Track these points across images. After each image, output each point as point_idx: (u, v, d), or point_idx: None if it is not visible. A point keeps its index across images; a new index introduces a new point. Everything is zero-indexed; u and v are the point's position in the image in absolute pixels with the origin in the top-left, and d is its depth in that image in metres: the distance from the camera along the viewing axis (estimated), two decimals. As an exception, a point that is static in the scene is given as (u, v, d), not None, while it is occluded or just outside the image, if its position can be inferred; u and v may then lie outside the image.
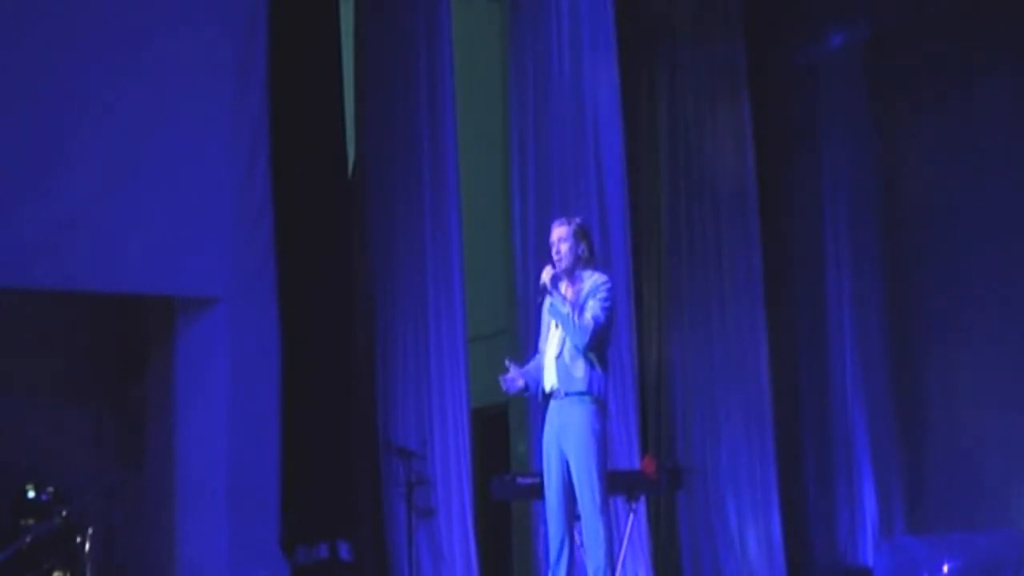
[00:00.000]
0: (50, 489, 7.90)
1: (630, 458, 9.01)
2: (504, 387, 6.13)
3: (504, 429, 10.03)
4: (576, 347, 5.93)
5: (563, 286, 6.03)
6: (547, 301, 6.08)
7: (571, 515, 5.97)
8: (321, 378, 8.43)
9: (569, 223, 6.17)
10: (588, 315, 5.92)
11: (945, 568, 8.25)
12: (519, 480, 8.00)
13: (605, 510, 5.90)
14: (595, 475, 5.86)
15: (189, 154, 8.04)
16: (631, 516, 8.14)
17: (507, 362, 6.14)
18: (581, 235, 6.11)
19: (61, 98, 7.70)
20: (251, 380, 8.06)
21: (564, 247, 6.06)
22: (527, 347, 8.73)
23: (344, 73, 8.99)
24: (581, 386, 5.92)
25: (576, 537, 6.09)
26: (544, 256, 8.98)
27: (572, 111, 9.53)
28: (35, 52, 7.66)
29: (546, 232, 9.09)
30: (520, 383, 6.09)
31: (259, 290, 8.19)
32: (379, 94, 9.13)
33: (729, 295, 10.09)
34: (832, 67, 10.10)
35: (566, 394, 5.95)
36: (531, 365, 6.19)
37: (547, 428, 6.04)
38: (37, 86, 7.64)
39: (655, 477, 8.09)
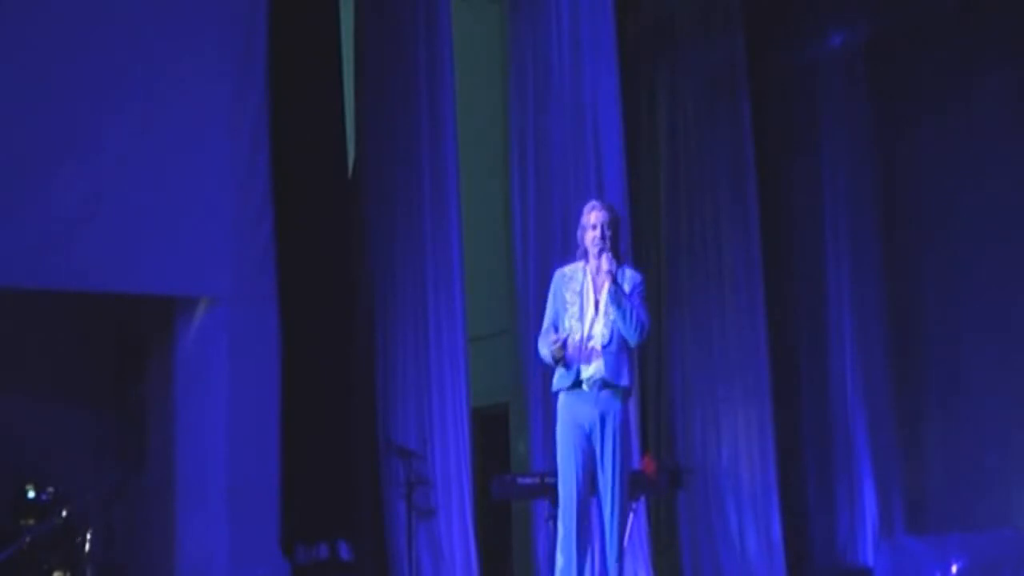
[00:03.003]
0: (50, 489, 7.90)
1: (630, 458, 9.00)
2: (550, 354, 5.83)
3: (504, 429, 10.04)
4: (628, 341, 5.83)
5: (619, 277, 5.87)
6: (570, 282, 5.93)
7: (588, 509, 5.84)
8: (321, 378, 8.43)
9: (612, 211, 5.96)
10: (643, 313, 5.85)
11: (954, 568, 8.25)
12: (519, 480, 7.99)
13: (628, 504, 5.85)
14: (625, 469, 5.80)
15: (189, 154, 8.04)
16: (631, 516, 8.12)
17: (552, 327, 5.89)
18: (618, 228, 5.96)
19: (61, 98, 7.70)
20: (251, 380, 8.06)
21: (608, 233, 5.87)
22: (527, 347, 8.74)
23: (344, 73, 8.99)
24: (626, 380, 5.84)
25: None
26: (544, 256, 9.08)
27: (572, 111, 9.53)
28: (35, 53, 7.66)
29: (546, 232, 9.22)
30: (562, 352, 5.81)
31: (259, 290, 8.18)
32: (379, 94, 9.13)
33: (729, 295, 10.08)
34: (832, 67, 10.09)
35: (608, 385, 5.79)
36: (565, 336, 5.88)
37: (576, 415, 5.82)
38: (36, 86, 7.64)
39: (655, 477, 8.08)
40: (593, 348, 5.82)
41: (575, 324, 5.87)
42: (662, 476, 8.17)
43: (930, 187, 9.63)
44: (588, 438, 5.81)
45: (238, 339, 8.10)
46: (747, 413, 9.84)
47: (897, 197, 9.81)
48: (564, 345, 5.81)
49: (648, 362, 10.03)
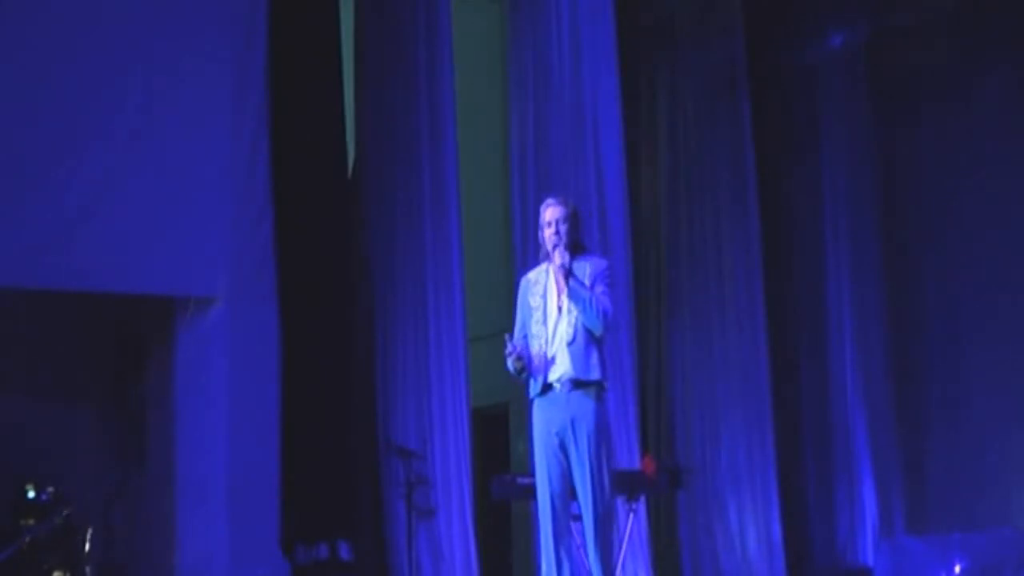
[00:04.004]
0: (50, 489, 7.90)
1: (630, 458, 9.00)
2: (511, 366, 5.79)
3: (504, 429, 10.05)
4: (592, 332, 5.74)
5: (576, 268, 5.80)
6: (534, 286, 5.91)
7: (567, 515, 5.79)
8: (321, 378, 8.43)
9: (566, 204, 5.92)
10: (606, 300, 5.75)
11: (957, 568, 8.25)
12: (519, 480, 7.99)
13: (614, 506, 5.77)
14: (602, 470, 5.70)
15: (189, 154, 8.04)
16: (631, 516, 8.14)
17: (507, 336, 5.83)
18: (576, 220, 5.90)
19: (61, 98, 7.70)
20: (251, 380, 8.06)
21: (563, 228, 5.83)
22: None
23: (344, 73, 8.99)
24: (597, 373, 5.74)
25: (576, 537, 6.01)
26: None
27: (572, 111, 9.53)
28: (34, 53, 7.66)
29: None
30: (521, 363, 5.76)
31: (259, 290, 8.18)
32: (379, 94, 9.13)
33: (729, 295, 10.08)
34: (832, 67, 10.09)
35: (578, 383, 5.72)
36: (523, 347, 5.86)
37: (549, 420, 5.76)
38: (37, 87, 7.64)
39: (655, 477, 8.08)
40: (555, 355, 5.76)
41: (540, 329, 5.83)
42: (662, 476, 8.16)
43: (930, 187, 9.63)
44: (561, 443, 5.74)
45: (238, 339, 8.10)
46: (747, 413, 9.84)
47: (897, 197, 9.80)
48: (521, 356, 5.75)
49: (648, 362, 10.03)
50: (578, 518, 5.90)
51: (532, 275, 6.01)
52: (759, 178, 10.14)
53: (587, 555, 5.82)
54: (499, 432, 10.16)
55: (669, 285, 10.22)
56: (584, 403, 5.74)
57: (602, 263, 5.92)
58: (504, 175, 9.89)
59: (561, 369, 5.76)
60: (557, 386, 5.76)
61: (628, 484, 8.00)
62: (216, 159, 8.13)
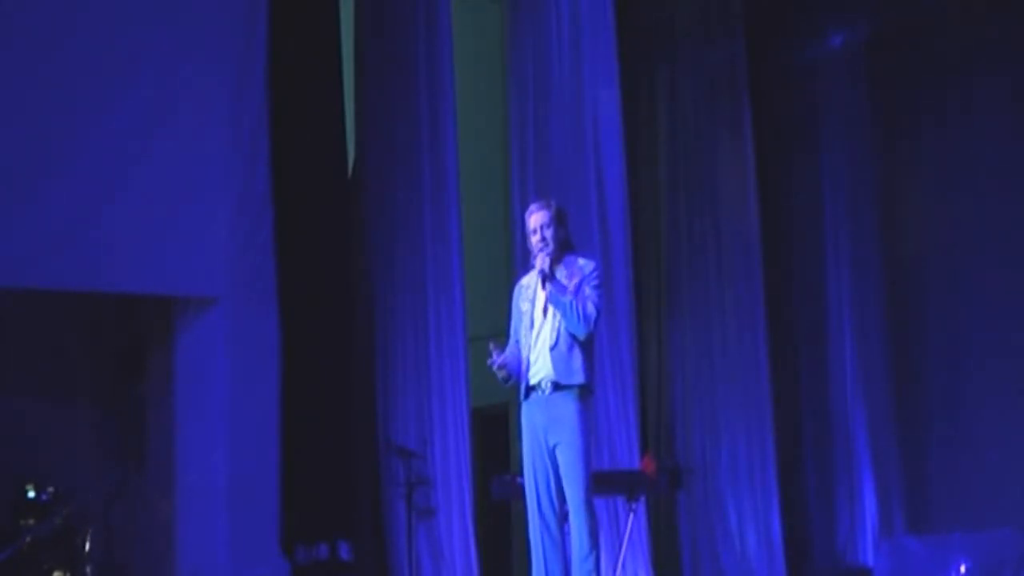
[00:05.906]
0: (50, 489, 7.90)
1: (630, 458, 9.00)
2: (497, 375, 5.90)
3: (504, 429, 10.03)
4: (575, 336, 5.77)
5: (559, 273, 5.83)
6: (525, 291, 5.93)
7: (562, 515, 5.81)
8: (321, 378, 8.43)
9: (548, 207, 5.91)
10: (589, 304, 5.76)
11: (962, 569, 8.25)
12: (519, 480, 7.94)
13: (592, 505, 5.77)
14: (585, 470, 5.72)
15: (189, 154, 8.03)
16: (631, 516, 8.13)
17: (491, 346, 5.88)
18: (560, 219, 5.89)
19: (60, 98, 7.69)
20: (251, 380, 8.06)
21: (548, 233, 5.83)
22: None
23: (344, 73, 8.99)
24: (580, 377, 5.76)
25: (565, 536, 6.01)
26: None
27: (572, 111, 9.54)
28: (34, 52, 7.65)
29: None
30: (504, 372, 5.87)
31: (259, 290, 8.18)
32: (379, 94, 9.13)
33: (729, 296, 10.09)
34: (832, 67, 10.10)
35: (559, 386, 5.76)
36: (509, 355, 5.94)
37: (532, 424, 5.83)
38: (36, 86, 7.63)
39: (655, 477, 8.08)
40: (538, 359, 5.81)
41: (526, 333, 5.89)
42: (662, 476, 8.16)
43: (930, 187, 9.64)
44: (546, 445, 5.79)
45: (238, 339, 8.09)
46: (747, 413, 9.85)
47: (897, 197, 9.81)
48: (503, 366, 5.84)
49: (648, 362, 10.03)
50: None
51: (525, 280, 6.04)
52: (759, 178, 10.14)
53: (574, 554, 5.81)
54: (499, 432, 10.15)
55: (669, 285, 10.22)
56: (566, 404, 5.77)
57: (590, 263, 5.94)
58: (504, 175, 9.89)
59: (543, 373, 5.82)
60: (539, 389, 5.82)
61: (628, 484, 8.00)
62: (216, 159, 8.13)
